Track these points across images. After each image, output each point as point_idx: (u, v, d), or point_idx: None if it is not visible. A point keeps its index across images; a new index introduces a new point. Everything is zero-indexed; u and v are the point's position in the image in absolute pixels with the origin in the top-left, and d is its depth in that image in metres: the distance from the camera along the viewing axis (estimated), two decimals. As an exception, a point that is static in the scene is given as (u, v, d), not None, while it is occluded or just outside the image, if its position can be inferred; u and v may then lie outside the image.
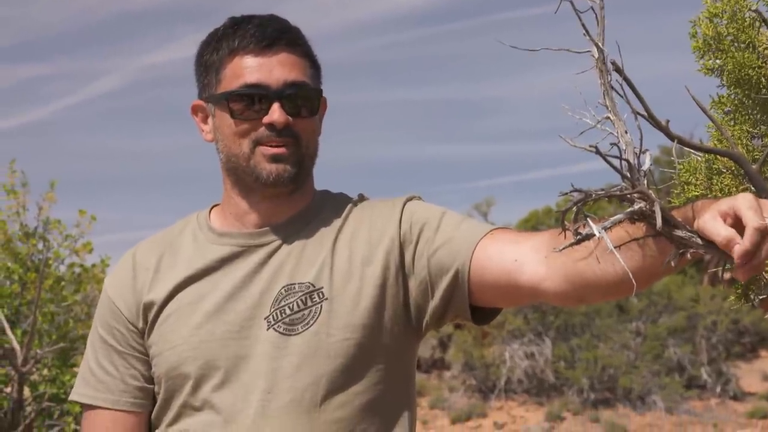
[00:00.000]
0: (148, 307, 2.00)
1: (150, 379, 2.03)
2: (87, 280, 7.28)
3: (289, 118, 1.93)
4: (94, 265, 7.34)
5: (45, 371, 6.77)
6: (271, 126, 1.92)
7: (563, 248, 1.44)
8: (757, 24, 1.76)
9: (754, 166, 1.56)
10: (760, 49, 1.75)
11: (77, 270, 7.25)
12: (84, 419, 2.09)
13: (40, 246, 6.92)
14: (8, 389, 6.40)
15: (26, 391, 6.49)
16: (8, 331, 6.21)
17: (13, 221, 6.99)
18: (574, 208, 1.41)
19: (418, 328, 1.98)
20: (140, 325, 2.01)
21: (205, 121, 2.05)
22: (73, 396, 2.09)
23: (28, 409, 6.55)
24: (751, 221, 1.38)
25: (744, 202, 1.41)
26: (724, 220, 1.41)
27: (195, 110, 2.06)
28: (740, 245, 1.38)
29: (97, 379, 2.05)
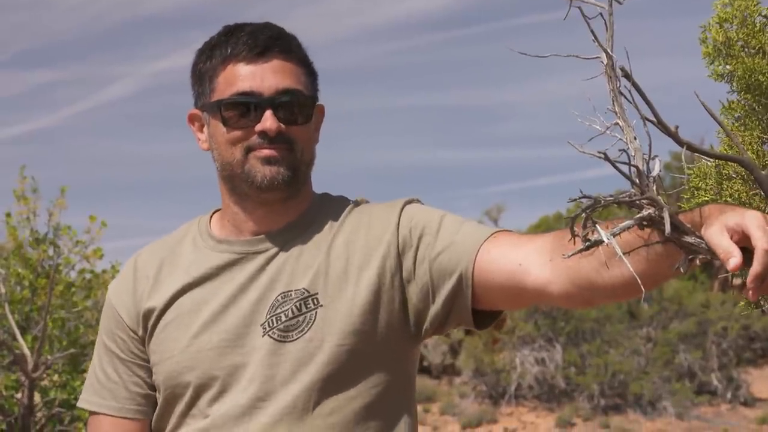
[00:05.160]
0: (147, 314, 2.00)
1: (152, 386, 2.04)
2: (97, 286, 7.29)
3: (282, 125, 1.92)
4: (104, 271, 7.36)
5: (55, 377, 6.79)
6: (263, 134, 1.91)
7: (572, 255, 1.44)
8: (768, 29, 1.75)
9: (764, 172, 1.55)
10: (770, 54, 1.74)
11: (88, 276, 7.27)
12: (89, 425, 2.12)
13: (51, 252, 6.93)
14: (19, 395, 6.42)
15: (37, 397, 6.51)
16: (19, 337, 6.23)
17: (24, 227, 7.02)
18: (583, 215, 1.41)
19: (416, 334, 1.97)
20: (140, 332, 2.01)
21: (201, 130, 2.04)
22: (80, 402, 2.11)
23: (39, 414, 6.57)
24: (761, 242, 1.37)
25: (753, 221, 1.40)
26: (731, 236, 1.40)
27: (191, 119, 2.06)
28: (752, 268, 1.37)
29: (101, 386, 2.07)
